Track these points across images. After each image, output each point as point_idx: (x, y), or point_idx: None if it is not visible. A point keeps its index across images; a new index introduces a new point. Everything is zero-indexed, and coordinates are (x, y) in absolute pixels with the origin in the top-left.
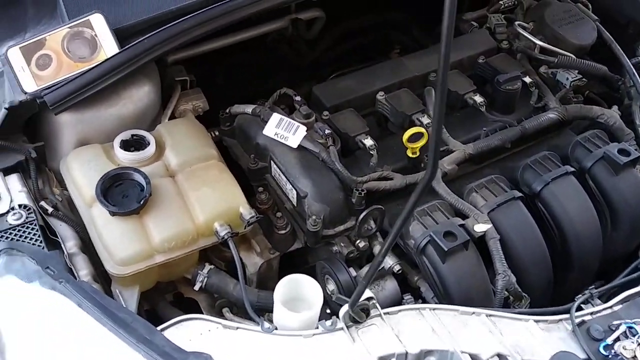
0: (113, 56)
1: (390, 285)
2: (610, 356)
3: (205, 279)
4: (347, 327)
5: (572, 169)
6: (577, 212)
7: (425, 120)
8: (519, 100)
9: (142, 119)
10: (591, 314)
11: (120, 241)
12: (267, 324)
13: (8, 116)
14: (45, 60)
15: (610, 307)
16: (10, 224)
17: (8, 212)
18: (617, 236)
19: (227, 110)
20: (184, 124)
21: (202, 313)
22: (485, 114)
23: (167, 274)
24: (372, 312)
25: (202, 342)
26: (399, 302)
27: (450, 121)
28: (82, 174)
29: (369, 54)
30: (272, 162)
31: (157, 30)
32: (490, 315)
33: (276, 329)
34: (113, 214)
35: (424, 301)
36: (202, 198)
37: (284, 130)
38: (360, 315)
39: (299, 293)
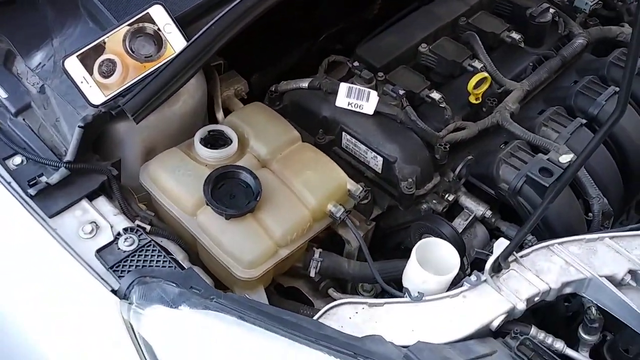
0: (184, 50)
1: (481, 232)
2: None
3: (319, 263)
4: (491, 277)
5: (618, 88)
6: (631, 127)
7: (478, 64)
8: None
9: (200, 114)
10: None
11: (243, 244)
12: (414, 293)
13: (84, 135)
14: (109, 65)
15: None
16: (126, 251)
17: (116, 239)
18: None
19: (274, 89)
20: (255, 109)
21: (306, 299)
22: (525, 49)
23: (282, 266)
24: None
25: (355, 325)
26: (486, 247)
27: (492, 61)
28: (176, 182)
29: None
30: (344, 133)
31: (221, 14)
32: (612, 237)
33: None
34: (229, 216)
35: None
36: (307, 182)
37: (356, 99)
38: (506, 264)
39: (431, 256)
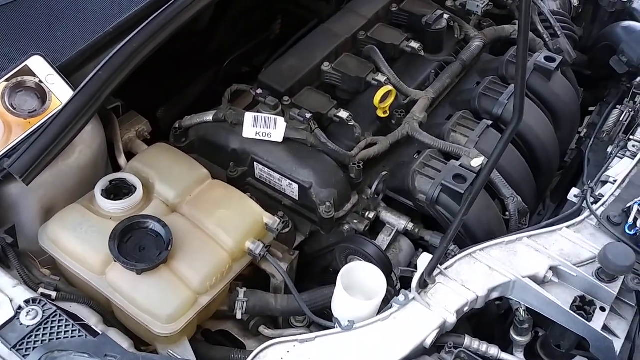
0: (71, 100)
1: (406, 245)
2: (638, 234)
3: (244, 303)
4: (419, 294)
5: None
6: (535, 123)
7: (381, 78)
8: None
9: (100, 163)
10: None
11: (159, 298)
12: (344, 322)
13: None
14: None
15: (612, 193)
16: (29, 326)
17: (17, 314)
18: (562, 135)
19: (177, 125)
20: (158, 151)
21: (236, 342)
22: (425, 57)
23: (206, 313)
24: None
25: None
26: (412, 258)
27: (395, 73)
28: (79, 241)
29: (255, 32)
30: (255, 163)
31: (108, 58)
32: (530, 237)
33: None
34: (140, 271)
35: (430, 251)
36: (221, 222)
37: (263, 127)
38: (432, 280)
39: (358, 280)
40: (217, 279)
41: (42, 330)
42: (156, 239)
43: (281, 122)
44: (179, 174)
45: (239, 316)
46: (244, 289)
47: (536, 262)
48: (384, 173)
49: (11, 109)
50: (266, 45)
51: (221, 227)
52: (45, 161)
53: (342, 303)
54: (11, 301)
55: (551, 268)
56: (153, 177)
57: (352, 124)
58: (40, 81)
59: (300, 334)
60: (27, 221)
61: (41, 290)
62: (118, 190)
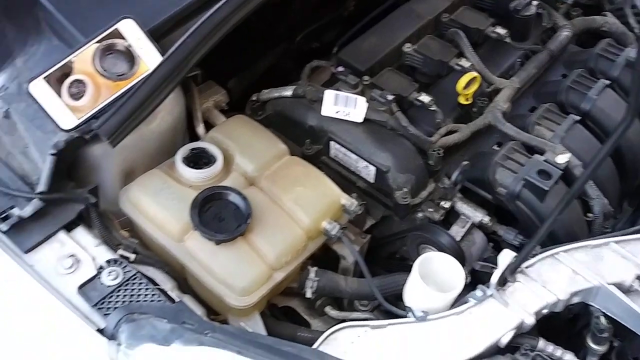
0: (159, 66)
1: (479, 238)
2: None
3: (315, 283)
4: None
5: (609, 82)
6: None
7: (465, 63)
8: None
9: (179, 130)
10: None
11: (236, 270)
12: (418, 312)
13: (56, 163)
14: (79, 87)
15: None
16: (110, 286)
17: (99, 274)
18: None
19: (255, 98)
20: (238, 123)
21: (301, 319)
22: (512, 44)
23: (277, 289)
24: None
25: (358, 349)
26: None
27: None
28: (159, 206)
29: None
30: (332, 142)
31: (197, 25)
32: (618, 242)
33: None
34: (219, 242)
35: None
36: (299, 199)
37: (343, 106)
38: (512, 278)
39: (433, 271)
40: (292, 256)
41: (122, 291)
42: (235, 211)
43: (362, 102)
44: (259, 147)
45: (308, 295)
46: (315, 268)
47: (623, 270)
48: (464, 163)
49: (101, 71)
50: (339, 23)
51: (299, 205)
52: (132, 125)
53: (417, 292)
54: (93, 260)
55: (638, 277)
56: (233, 149)
57: (433, 109)
58: (130, 45)
59: (365, 318)
60: (108, 182)
61: (120, 251)
62: (198, 159)
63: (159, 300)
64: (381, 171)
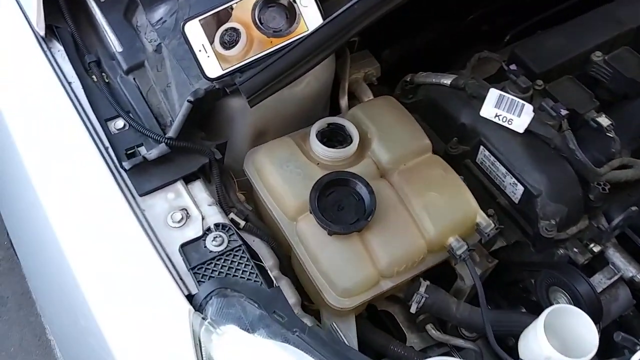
0: (319, 28)
1: (624, 294)
2: None
3: (423, 298)
4: None
5: None
6: None
7: None
8: None
9: (322, 99)
10: None
11: (342, 267)
12: None
13: (192, 111)
14: (232, 35)
15: None
16: (213, 252)
17: (205, 235)
18: None
19: (409, 79)
20: (385, 105)
21: (398, 327)
22: None
23: (380, 296)
24: None
25: None
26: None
27: None
28: (282, 179)
29: None
30: (482, 147)
31: None
32: None
33: None
34: (332, 233)
35: None
36: (430, 206)
37: (505, 111)
38: None
39: (561, 325)
40: (407, 266)
41: (222, 260)
42: (357, 203)
43: (529, 110)
44: (401, 137)
45: (412, 310)
46: (427, 282)
47: None
48: (633, 208)
49: (258, 23)
50: (516, 9)
51: (428, 212)
52: (276, 87)
53: (537, 345)
54: (203, 219)
55: None
56: (372, 132)
57: (611, 135)
58: (294, 1)
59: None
60: (238, 139)
61: (232, 215)
62: (333, 136)
63: (256, 281)
64: (530, 194)
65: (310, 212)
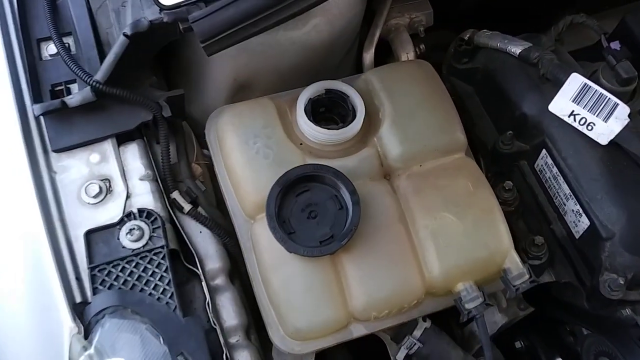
0: None
1: None
2: None
3: (416, 346)
4: None
5: None
6: None
7: None
8: None
9: (338, 50)
10: None
11: (300, 297)
12: None
13: (129, 48)
14: None
15: None
16: (126, 248)
17: (121, 223)
18: None
19: (467, 37)
20: (415, 73)
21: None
22: None
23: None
24: None
25: None
26: None
27: None
28: (244, 160)
29: None
30: (544, 151)
31: None
32: None
33: None
34: (291, 251)
35: None
36: (441, 232)
37: (587, 110)
38: None
39: None
40: (390, 312)
41: (134, 264)
42: (337, 213)
43: (622, 113)
44: (424, 124)
45: (400, 356)
46: (427, 323)
47: None
48: None
49: None
50: None
51: (436, 241)
52: (244, 34)
53: None
54: (128, 198)
55: None
56: (386, 111)
57: None
58: None
59: None
60: (211, 88)
61: (175, 195)
62: (331, 106)
63: (169, 303)
64: (598, 233)
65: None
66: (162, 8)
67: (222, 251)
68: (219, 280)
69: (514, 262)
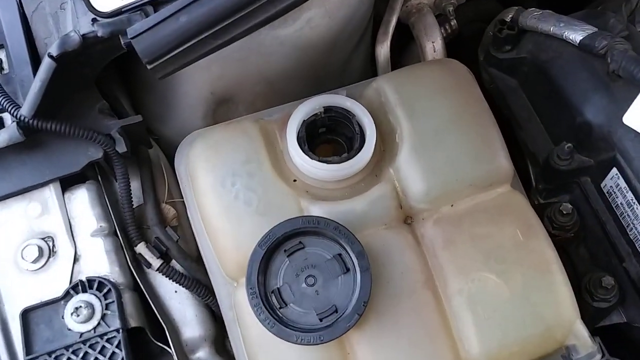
0: None
1: None
2: None
3: None
4: None
5: None
6: None
7: None
8: None
9: (340, 46)
10: None
11: None
12: None
13: (58, 71)
14: None
15: None
16: (71, 331)
17: (68, 295)
18: None
19: (510, 17)
20: (442, 75)
21: None
22: None
23: None
24: None
25: None
26: None
27: None
28: (220, 206)
29: None
30: (616, 170)
31: None
32: None
33: None
34: (279, 336)
35: None
36: (482, 300)
37: None
38: None
39: None
40: None
41: (80, 355)
42: (343, 278)
43: None
44: (458, 149)
45: None
46: None
47: None
48: None
49: None
50: None
51: (474, 313)
52: (204, 48)
53: None
54: (76, 260)
55: None
56: (405, 132)
57: None
58: None
59: None
60: (186, 105)
61: (140, 248)
62: (332, 126)
63: None
64: None
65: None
66: (98, 15)
67: (205, 314)
68: (202, 354)
69: (581, 338)
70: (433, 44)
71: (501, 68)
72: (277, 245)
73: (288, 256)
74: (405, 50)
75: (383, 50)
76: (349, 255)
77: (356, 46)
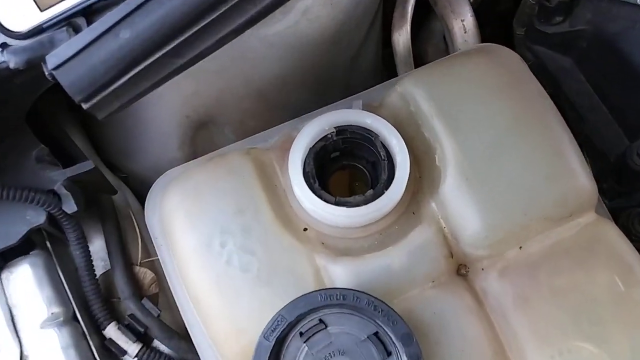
0: None
1: None
2: None
3: None
4: None
5: None
6: None
7: None
8: None
9: (346, 39)
10: None
11: None
12: None
13: None
14: None
15: None
16: None
17: None
18: None
19: None
20: (483, 71)
21: None
22: None
23: None
24: None
25: None
26: None
27: None
28: (208, 277)
29: None
30: None
31: None
32: None
33: None
34: None
35: None
36: None
37: None
38: None
39: None
40: None
41: None
42: None
43: None
44: (522, 169)
45: None
46: None
47: None
48: None
49: None
50: None
51: None
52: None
53: None
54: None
55: None
56: (447, 151)
57: None
58: None
59: None
60: (157, 134)
61: (111, 331)
62: (349, 149)
63: None
64: None
65: None
66: (11, 37)
67: None
68: None
69: None
70: (463, 23)
71: (550, 45)
72: (290, 328)
73: (305, 341)
74: (422, 32)
75: (402, 38)
76: (389, 335)
77: (365, 37)
